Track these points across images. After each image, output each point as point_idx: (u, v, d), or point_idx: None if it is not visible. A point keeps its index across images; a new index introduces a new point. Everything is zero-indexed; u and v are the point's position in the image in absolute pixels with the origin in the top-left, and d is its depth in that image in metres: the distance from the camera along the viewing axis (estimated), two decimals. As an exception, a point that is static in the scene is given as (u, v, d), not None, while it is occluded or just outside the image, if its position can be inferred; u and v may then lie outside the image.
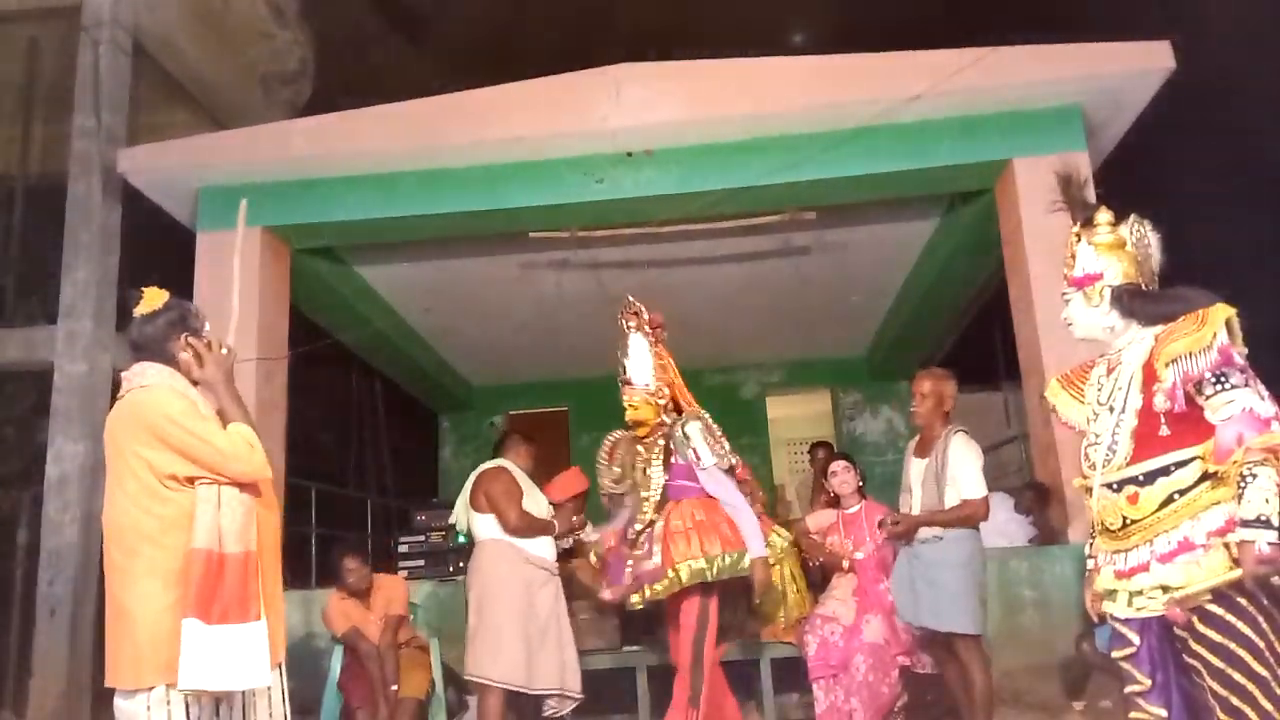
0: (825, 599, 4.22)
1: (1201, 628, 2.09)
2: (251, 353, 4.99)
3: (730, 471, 3.63)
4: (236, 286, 3.00)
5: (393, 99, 5.24)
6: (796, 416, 10.35)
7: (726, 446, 3.67)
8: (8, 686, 5.28)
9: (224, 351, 2.37)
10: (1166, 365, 2.17)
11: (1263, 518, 1.99)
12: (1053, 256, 4.69)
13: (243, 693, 2.20)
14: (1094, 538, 2.44)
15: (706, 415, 3.71)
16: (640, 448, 3.71)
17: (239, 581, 2.16)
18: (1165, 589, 2.14)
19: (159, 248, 5.67)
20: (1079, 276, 2.41)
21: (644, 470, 3.66)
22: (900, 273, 7.21)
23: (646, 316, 3.80)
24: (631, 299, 3.82)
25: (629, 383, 3.68)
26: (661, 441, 3.64)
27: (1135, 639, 2.24)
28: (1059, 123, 4.90)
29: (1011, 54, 4.86)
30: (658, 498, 3.58)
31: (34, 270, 5.78)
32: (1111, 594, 2.30)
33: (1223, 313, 2.15)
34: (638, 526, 3.61)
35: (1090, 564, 2.46)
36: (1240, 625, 2.06)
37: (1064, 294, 2.45)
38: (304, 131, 5.37)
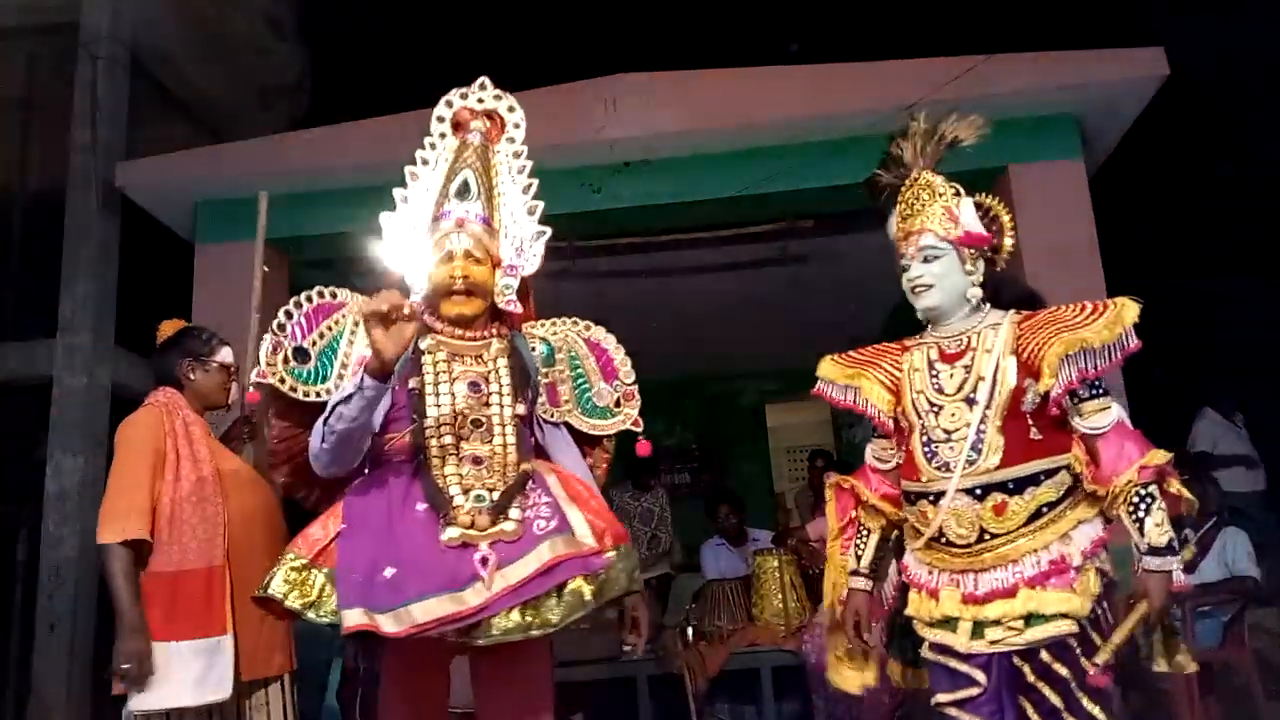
0: (824, 607, 4.22)
1: (1046, 657, 1.79)
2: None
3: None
4: (256, 296, 2.78)
5: (392, 110, 5.26)
6: (796, 424, 10.35)
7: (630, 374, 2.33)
8: (7, 703, 5.26)
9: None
10: (1058, 359, 1.83)
11: (1172, 544, 1.79)
12: (1049, 262, 4.71)
13: (238, 705, 2.23)
14: (884, 549, 2.10)
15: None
16: (439, 348, 2.04)
17: (201, 596, 2.21)
18: (1031, 618, 1.79)
19: (158, 261, 5.69)
20: (969, 234, 2.01)
21: (458, 386, 1.99)
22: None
23: (517, 119, 2.41)
24: (487, 83, 2.38)
25: (462, 222, 2.09)
26: (503, 349, 2.10)
27: (981, 678, 1.83)
28: (1053, 130, 4.91)
29: (1005, 62, 4.88)
30: (514, 439, 1.99)
31: (33, 284, 5.79)
32: (948, 623, 1.88)
33: (1133, 310, 1.85)
34: (488, 482, 1.92)
35: (893, 581, 2.11)
36: (1085, 663, 1.78)
37: (924, 248, 2.03)
38: (302, 144, 5.39)
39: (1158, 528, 1.80)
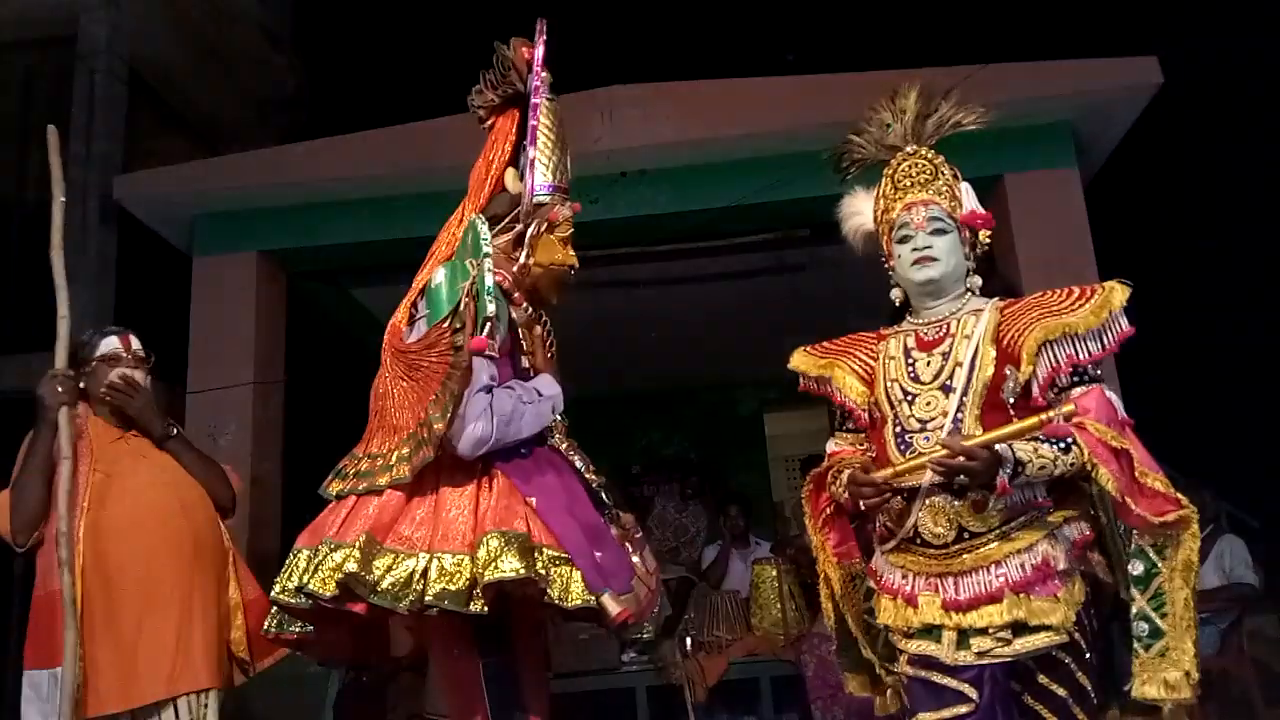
0: (824, 617, 4.22)
1: (1044, 679, 1.68)
2: (249, 376, 5.01)
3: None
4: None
5: (389, 123, 5.27)
6: (795, 433, 10.33)
7: None
8: None
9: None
10: (1037, 345, 1.72)
11: (1020, 471, 1.61)
12: (1045, 271, 4.72)
13: None
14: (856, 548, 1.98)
15: None
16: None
17: (45, 624, 2.21)
18: (1018, 627, 1.64)
19: (156, 274, 5.69)
20: (975, 214, 1.93)
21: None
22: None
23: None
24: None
25: (563, 190, 2.33)
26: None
27: (972, 693, 1.64)
28: (1048, 139, 4.93)
29: (999, 71, 4.89)
30: None
31: (30, 297, 5.78)
32: (930, 632, 1.70)
33: (1122, 293, 1.73)
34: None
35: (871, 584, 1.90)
36: (1081, 678, 1.67)
37: (934, 219, 1.90)
38: (300, 156, 5.40)
39: (1038, 455, 1.63)
